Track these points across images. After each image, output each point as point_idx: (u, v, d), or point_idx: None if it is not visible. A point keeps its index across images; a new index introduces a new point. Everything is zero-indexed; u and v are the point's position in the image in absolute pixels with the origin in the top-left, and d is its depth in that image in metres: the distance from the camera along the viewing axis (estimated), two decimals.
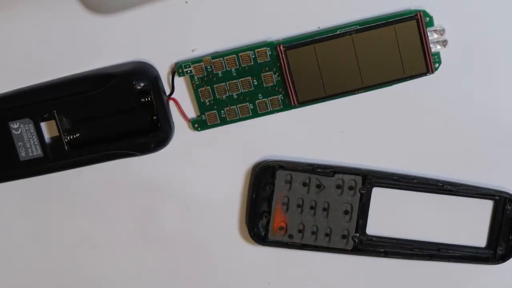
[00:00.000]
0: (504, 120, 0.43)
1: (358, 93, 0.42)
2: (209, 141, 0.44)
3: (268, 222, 0.43)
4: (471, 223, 0.44)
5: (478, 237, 0.45)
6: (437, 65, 0.42)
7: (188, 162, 0.44)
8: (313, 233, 0.43)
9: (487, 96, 0.43)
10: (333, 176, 0.43)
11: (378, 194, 0.44)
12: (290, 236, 0.43)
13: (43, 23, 0.42)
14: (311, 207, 0.43)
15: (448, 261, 0.44)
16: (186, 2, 0.42)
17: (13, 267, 0.45)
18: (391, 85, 0.42)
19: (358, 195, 0.43)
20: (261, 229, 0.44)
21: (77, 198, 0.44)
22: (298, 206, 0.43)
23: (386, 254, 0.44)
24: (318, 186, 0.43)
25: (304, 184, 0.43)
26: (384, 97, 0.43)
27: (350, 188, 0.43)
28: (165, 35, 0.42)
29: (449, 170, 0.44)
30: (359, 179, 0.43)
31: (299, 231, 0.43)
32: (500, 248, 0.44)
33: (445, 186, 0.43)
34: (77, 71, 0.43)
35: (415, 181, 0.43)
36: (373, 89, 0.42)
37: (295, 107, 0.43)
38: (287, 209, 0.43)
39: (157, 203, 0.44)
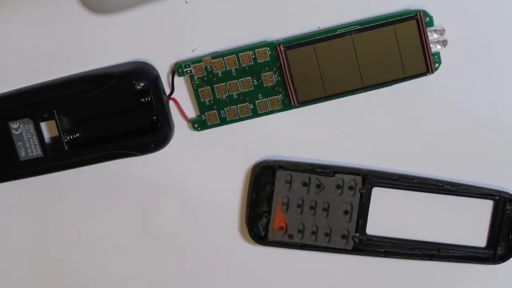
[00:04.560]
0: (504, 120, 0.43)
1: (358, 93, 0.42)
2: (209, 141, 0.44)
3: (268, 222, 0.43)
4: (471, 223, 0.44)
5: (478, 237, 0.45)
6: (437, 65, 0.42)
7: (188, 162, 0.44)
8: (313, 233, 0.43)
9: (487, 96, 0.43)
10: (333, 176, 0.43)
11: (378, 194, 0.44)
12: (290, 236, 0.43)
13: (43, 23, 0.42)
14: (311, 207, 0.43)
15: (448, 261, 0.44)
16: (186, 2, 0.42)
17: (13, 267, 0.45)
18: (391, 85, 0.42)
19: (358, 195, 0.43)
20: (261, 229, 0.44)
21: (77, 198, 0.44)
22: (298, 206, 0.43)
23: (386, 254, 0.44)
24: (318, 186, 0.43)
25: (304, 184, 0.43)
26: (384, 97, 0.43)
27: (350, 188, 0.43)
28: (165, 35, 0.42)
29: (449, 170, 0.44)
30: (359, 179, 0.43)
31: (299, 231, 0.43)
32: (500, 248, 0.44)
33: (445, 186, 0.43)
34: (77, 71, 0.43)
35: (415, 181, 0.43)
36: (373, 89, 0.42)
37: (295, 107, 0.43)
38: (287, 209, 0.43)
39: (157, 203, 0.44)
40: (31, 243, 0.45)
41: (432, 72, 0.42)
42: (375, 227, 0.44)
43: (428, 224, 0.44)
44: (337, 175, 0.43)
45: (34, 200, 0.44)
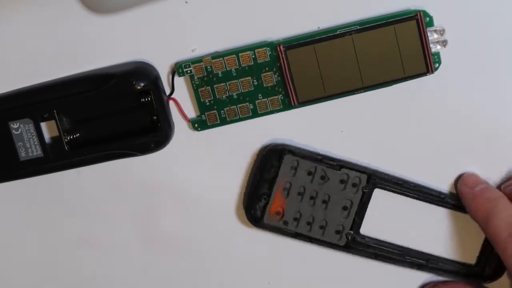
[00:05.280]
0: (504, 120, 0.43)
1: (358, 93, 0.42)
2: (209, 141, 0.44)
3: (266, 205, 0.43)
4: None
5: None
6: (437, 65, 0.42)
7: (188, 162, 0.44)
8: (308, 223, 0.43)
9: (487, 96, 0.43)
10: (339, 170, 0.43)
11: (379, 196, 0.43)
12: (285, 223, 0.43)
13: (43, 23, 0.42)
14: (312, 197, 0.43)
15: (436, 274, 0.44)
16: (186, 2, 0.42)
17: (13, 267, 0.45)
18: (391, 85, 0.42)
19: (360, 193, 0.43)
20: (258, 211, 0.43)
21: (77, 198, 0.44)
22: (299, 194, 0.43)
23: (376, 257, 0.44)
24: (323, 178, 0.43)
25: (309, 173, 0.43)
26: (384, 97, 0.43)
27: (354, 185, 0.43)
28: (165, 35, 0.42)
29: (449, 171, 0.44)
30: (364, 177, 0.43)
31: (295, 219, 0.43)
32: (489, 267, 0.44)
33: (446, 199, 0.43)
34: (77, 71, 0.43)
35: (418, 189, 0.43)
36: (373, 89, 0.42)
37: (295, 107, 0.43)
38: (288, 195, 0.43)
39: (157, 203, 0.44)
40: (31, 243, 0.45)
41: (432, 72, 0.42)
42: (370, 227, 0.44)
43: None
44: (343, 170, 0.43)
45: (34, 200, 0.44)
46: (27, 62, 0.43)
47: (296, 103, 0.42)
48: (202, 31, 0.42)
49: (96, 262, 0.45)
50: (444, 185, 0.44)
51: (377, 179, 0.43)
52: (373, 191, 0.43)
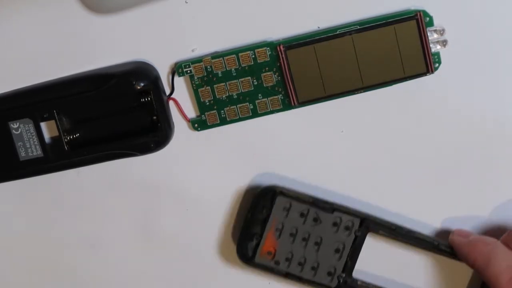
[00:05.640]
0: (504, 120, 0.43)
1: (358, 93, 0.42)
2: (209, 141, 0.44)
3: (258, 244, 0.43)
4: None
5: None
6: (437, 65, 0.42)
7: (188, 162, 0.44)
8: (300, 264, 0.43)
9: (487, 96, 0.43)
10: (332, 213, 0.42)
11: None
12: (277, 263, 0.43)
13: (43, 23, 0.42)
14: (304, 239, 0.43)
15: None
16: (186, 2, 0.42)
17: (13, 267, 0.45)
18: (391, 85, 0.42)
19: (352, 236, 0.42)
20: (249, 250, 0.43)
21: (77, 198, 0.44)
22: (291, 235, 0.43)
23: None
24: (315, 220, 0.42)
25: (302, 215, 0.42)
26: (384, 97, 0.43)
27: (346, 228, 0.43)
28: (165, 35, 0.42)
29: (446, 171, 0.44)
30: (357, 221, 0.42)
31: (287, 259, 0.43)
32: None
33: (440, 246, 0.43)
34: (77, 71, 0.43)
35: (411, 235, 0.43)
36: (373, 89, 0.42)
37: (295, 107, 0.43)
38: (280, 235, 0.43)
39: (157, 203, 0.44)
40: (31, 243, 0.45)
41: (432, 72, 0.42)
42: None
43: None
44: (336, 213, 0.42)
45: (34, 200, 0.44)
46: (27, 62, 0.43)
47: (296, 103, 0.42)
48: (202, 31, 0.42)
49: (96, 262, 0.45)
50: (443, 184, 0.44)
51: (370, 224, 0.42)
52: (366, 234, 0.43)
